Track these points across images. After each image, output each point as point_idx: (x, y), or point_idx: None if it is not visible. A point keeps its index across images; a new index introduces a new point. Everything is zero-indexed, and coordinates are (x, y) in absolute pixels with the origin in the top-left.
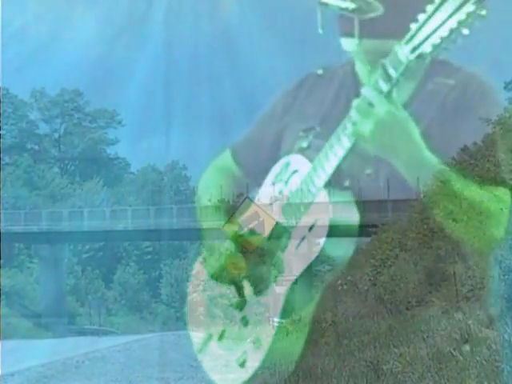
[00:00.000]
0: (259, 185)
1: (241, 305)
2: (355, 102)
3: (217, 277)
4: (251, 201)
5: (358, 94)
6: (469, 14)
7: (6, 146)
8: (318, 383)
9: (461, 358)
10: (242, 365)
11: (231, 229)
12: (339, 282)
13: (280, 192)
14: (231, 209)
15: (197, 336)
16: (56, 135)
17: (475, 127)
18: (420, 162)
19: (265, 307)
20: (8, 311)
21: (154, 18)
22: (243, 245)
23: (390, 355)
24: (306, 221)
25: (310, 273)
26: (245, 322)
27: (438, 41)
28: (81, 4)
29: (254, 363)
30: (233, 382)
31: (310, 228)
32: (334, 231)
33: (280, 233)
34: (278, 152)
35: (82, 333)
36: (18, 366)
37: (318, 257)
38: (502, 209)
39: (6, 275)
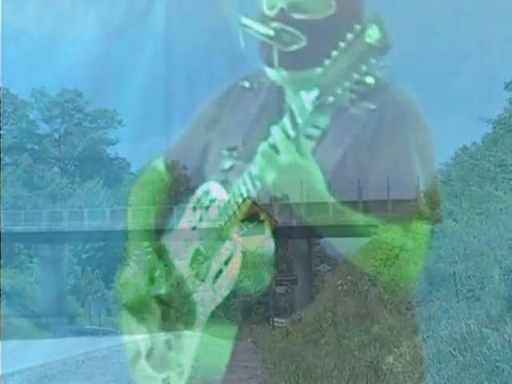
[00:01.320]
0: (190, 191)
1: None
2: (261, 147)
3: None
4: (252, 201)
5: (281, 111)
6: (370, 66)
7: (6, 146)
8: (318, 383)
9: (461, 358)
10: None
11: (231, 229)
12: (339, 282)
13: (200, 219)
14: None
15: (196, 336)
16: (56, 135)
17: (393, 154)
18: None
19: (264, 307)
20: (8, 311)
21: (154, 18)
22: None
23: (389, 355)
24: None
25: (309, 273)
26: (168, 345)
27: (341, 91)
28: (81, 4)
29: None
30: None
31: (227, 260)
32: None
33: (200, 260)
34: (204, 165)
35: (81, 333)
36: (18, 365)
37: (318, 257)
38: (501, 209)
39: (6, 275)
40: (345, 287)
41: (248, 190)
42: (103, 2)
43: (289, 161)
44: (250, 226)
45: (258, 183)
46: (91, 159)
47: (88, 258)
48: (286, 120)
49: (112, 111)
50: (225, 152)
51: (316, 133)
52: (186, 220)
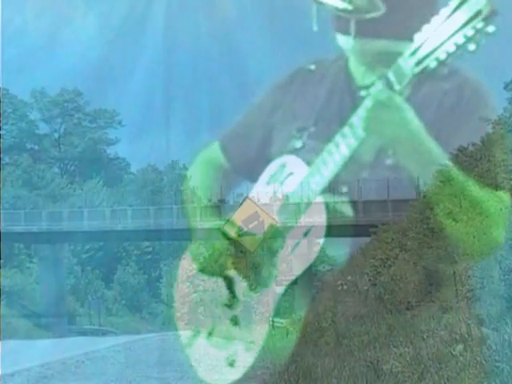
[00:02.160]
0: (248, 179)
1: (232, 303)
2: (362, 105)
3: (206, 270)
4: (252, 201)
5: (351, 92)
6: (477, 31)
7: (6, 146)
8: (318, 383)
9: (461, 358)
10: (232, 364)
11: (231, 229)
12: (339, 282)
13: (275, 192)
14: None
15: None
16: (56, 135)
17: (473, 130)
18: (420, 149)
19: (264, 307)
20: (8, 311)
21: (154, 18)
22: (241, 244)
23: (389, 355)
24: (304, 222)
25: (310, 273)
26: (234, 321)
27: (444, 56)
28: (81, 4)
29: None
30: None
31: (307, 231)
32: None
33: (276, 234)
34: (269, 148)
35: (82, 333)
36: (18, 366)
37: (318, 257)
38: (501, 209)
39: (6, 275)
40: (345, 287)
41: (341, 154)
42: (103, 2)
43: (390, 102)
44: (250, 225)
45: (360, 133)
46: (91, 159)
47: (88, 258)
48: (380, 85)
49: (112, 111)
50: (295, 132)
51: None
52: (256, 195)
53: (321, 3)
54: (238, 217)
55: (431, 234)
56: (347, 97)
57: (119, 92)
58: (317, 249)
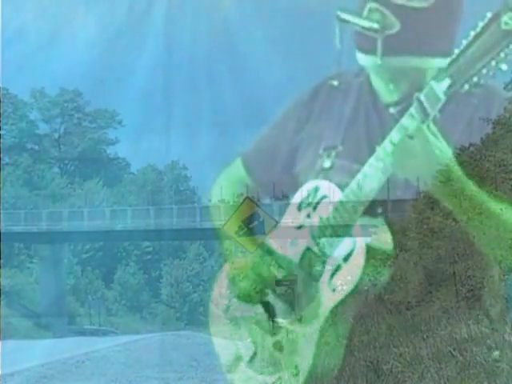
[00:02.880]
0: (273, 197)
1: (273, 329)
2: (391, 137)
3: (245, 298)
4: (252, 200)
5: (377, 109)
6: (507, 53)
7: (6, 146)
8: (318, 383)
9: (461, 358)
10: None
11: (231, 229)
12: (339, 281)
13: (308, 216)
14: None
15: (198, 336)
16: (56, 135)
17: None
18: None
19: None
20: (8, 311)
21: (154, 18)
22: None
23: (389, 355)
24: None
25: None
26: (278, 347)
27: (476, 79)
28: (81, 4)
29: None
30: None
31: (346, 257)
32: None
33: (313, 259)
34: (295, 167)
35: (81, 333)
36: (18, 365)
37: (318, 256)
38: (501, 209)
39: (6, 275)
40: (345, 287)
41: (379, 179)
42: (103, 2)
43: (424, 146)
44: (250, 225)
45: (388, 170)
46: (91, 159)
47: (88, 258)
48: (414, 111)
49: (112, 111)
50: (322, 152)
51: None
52: (289, 219)
53: (345, 21)
54: (238, 216)
55: (431, 234)
56: (374, 114)
57: (119, 92)
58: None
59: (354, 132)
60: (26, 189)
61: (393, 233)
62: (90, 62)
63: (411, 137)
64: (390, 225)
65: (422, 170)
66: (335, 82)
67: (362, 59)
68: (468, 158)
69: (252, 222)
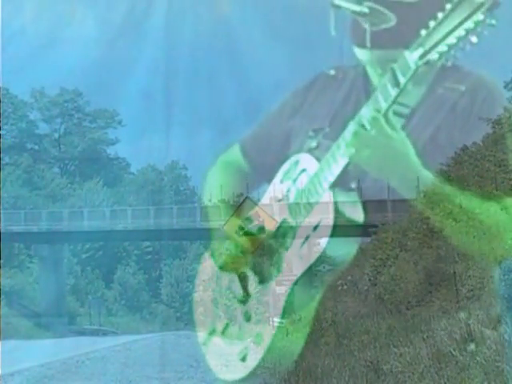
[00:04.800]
0: (268, 180)
1: (245, 299)
2: (351, 124)
3: (225, 268)
4: (252, 201)
5: (367, 93)
6: (477, 23)
7: (6, 146)
8: (318, 383)
9: (461, 357)
10: (243, 359)
11: (231, 228)
12: (339, 281)
13: (288, 190)
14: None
15: (199, 336)
16: (56, 135)
17: (484, 131)
18: (415, 181)
19: (266, 306)
20: (8, 311)
21: (154, 18)
22: (245, 244)
23: (389, 355)
24: (310, 220)
25: (310, 272)
26: (247, 317)
27: (446, 48)
28: (81, 4)
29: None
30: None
31: (315, 228)
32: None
33: (285, 231)
34: (288, 150)
35: (81, 333)
36: (18, 365)
37: (318, 257)
38: (501, 209)
39: (6, 275)
40: (345, 287)
41: (336, 164)
42: (103, 2)
43: (381, 134)
44: (250, 225)
45: (345, 159)
46: (91, 159)
47: (88, 258)
48: (377, 94)
49: (112, 111)
50: (311, 133)
51: (405, 111)
52: (272, 193)
53: (337, 6)
54: (238, 216)
55: (431, 234)
56: (363, 97)
57: (119, 92)
58: (319, 249)
59: (342, 115)
60: (26, 189)
61: (393, 233)
62: (90, 62)
63: (365, 128)
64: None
65: (380, 161)
66: (332, 72)
67: (357, 52)
68: (468, 157)
69: (252, 222)
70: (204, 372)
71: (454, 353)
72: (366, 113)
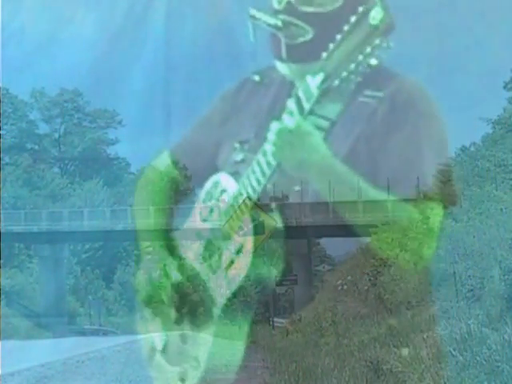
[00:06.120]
0: (200, 188)
1: (179, 321)
2: (273, 127)
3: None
4: (251, 201)
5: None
6: (374, 47)
7: (6, 146)
8: (318, 383)
9: (461, 358)
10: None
11: (231, 229)
12: (339, 282)
13: (212, 210)
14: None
15: (198, 336)
16: (56, 135)
17: (405, 139)
18: (329, 171)
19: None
20: (8, 311)
21: (154, 18)
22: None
23: (389, 355)
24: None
25: (309, 273)
26: (183, 339)
27: (345, 74)
28: (81, 4)
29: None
30: None
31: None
32: None
33: (213, 251)
34: (216, 160)
35: (81, 333)
36: (18, 365)
37: (318, 256)
38: (501, 209)
39: (6, 275)
40: (345, 287)
41: (263, 173)
42: (103, 2)
43: (295, 126)
44: (250, 225)
45: (272, 163)
46: (91, 159)
47: (88, 258)
48: (291, 105)
49: (112, 111)
50: (237, 145)
51: (325, 124)
52: (198, 213)
53: (254, 18)
54: (238, 217)
55: (431, 234)
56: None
57: (119, 92)
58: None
59: (267, 125)
60: (26, 189)
61: (393, 233)
62: (89, 62)
63: (289, 130)
64: None
65: (301, 162)
66: (257, 78)
67: (278, 66)
68: (468, 157)
69: (251, 222)
70: (204, 372)
71: (453, 353)
72: (286, 118)
